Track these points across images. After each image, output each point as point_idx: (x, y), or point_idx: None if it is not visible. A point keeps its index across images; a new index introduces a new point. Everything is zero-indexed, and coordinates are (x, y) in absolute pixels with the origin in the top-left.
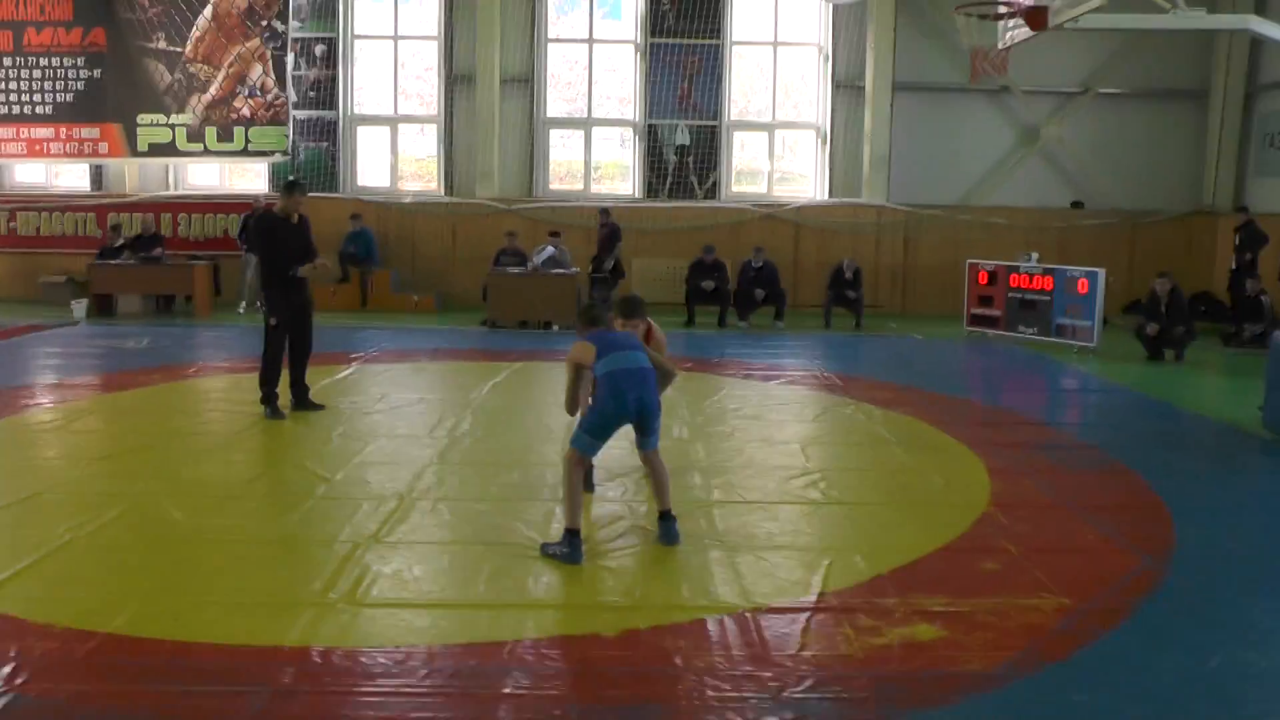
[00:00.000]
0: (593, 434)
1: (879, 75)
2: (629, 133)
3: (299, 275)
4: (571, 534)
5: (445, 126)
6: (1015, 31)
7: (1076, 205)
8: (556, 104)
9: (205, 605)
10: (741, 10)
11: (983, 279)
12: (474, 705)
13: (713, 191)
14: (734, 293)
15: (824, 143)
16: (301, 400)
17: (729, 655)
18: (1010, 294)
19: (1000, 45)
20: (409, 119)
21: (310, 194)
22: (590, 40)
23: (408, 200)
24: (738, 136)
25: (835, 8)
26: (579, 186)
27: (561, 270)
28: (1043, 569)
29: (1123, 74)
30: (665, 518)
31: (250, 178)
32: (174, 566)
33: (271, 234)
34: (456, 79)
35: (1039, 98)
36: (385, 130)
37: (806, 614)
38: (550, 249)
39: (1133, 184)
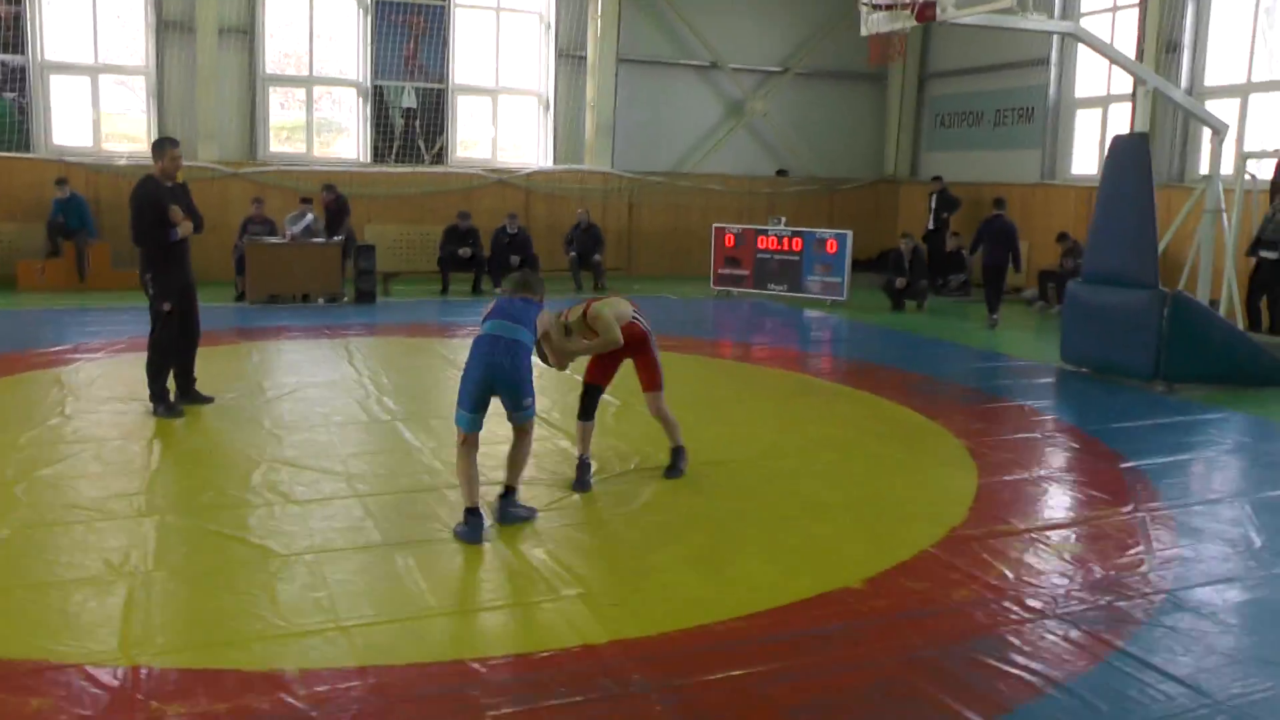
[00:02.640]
0: (460, 404)
1: (604, 46)
2: (352, 93)
3: (178, 238)
4: (469, 511)
5: (158, 79)
6: (905, 23)
7: (781, 173)
8: (276, 60)
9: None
10: None
11: (729, 241)
12: None
13: (440, 156)
14: (488, 259)
15: (546, 110)
16: (188, 391)
17: None
18: (759, 255)
19: (887, 32)
20: (113, 69)
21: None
22: None
23: (122, 162)
24: (462, 101)
25: None
26: (301, 149)
27: (320, 240)
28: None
29: (816, 56)
30: (507, 494)
31: None
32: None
33: (157, 204)
34: (168, 25)
35: (744, 75)
36: (85, 81)
37: None
38: (310, 216)
39: (827, 155)
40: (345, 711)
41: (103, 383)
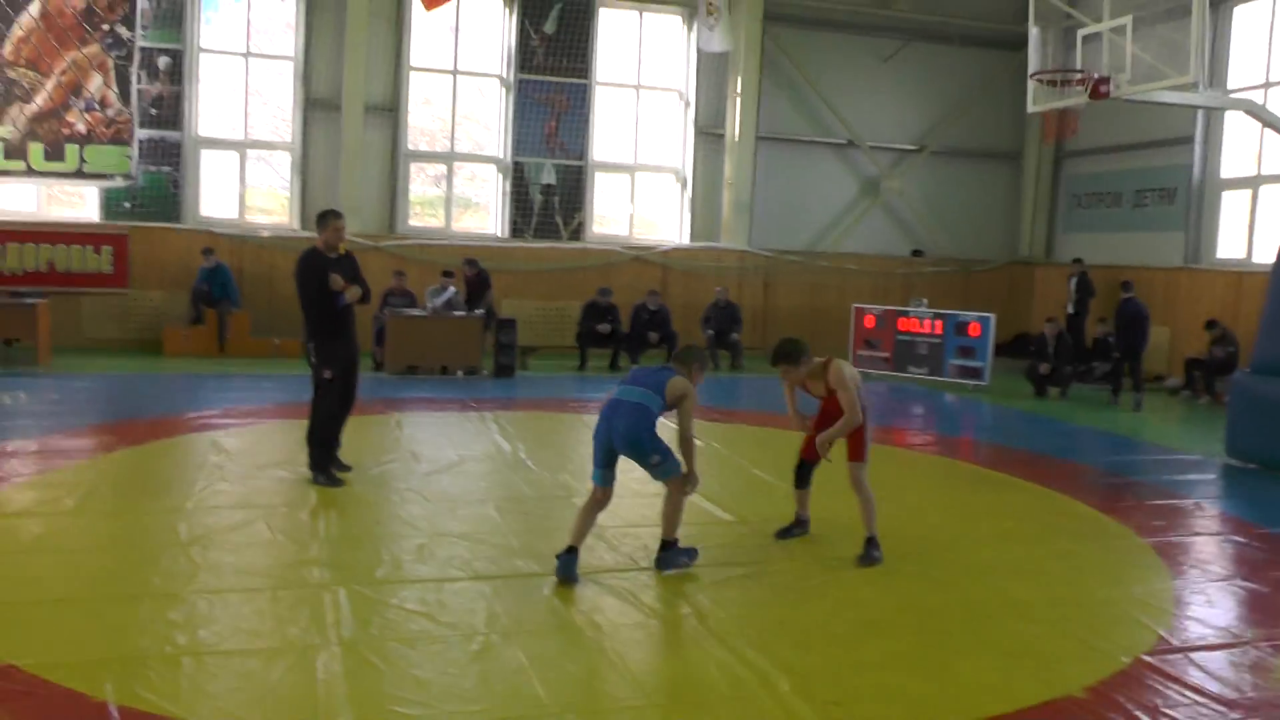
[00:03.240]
0: (594, 463)
1: (744, 124)
2: (492, 169)
3: (344, 304)
4: (567, 549)
5: (302, 155)
6: (1078, 100)
7: (917, 253)
8: (417, 136)
9: None
10: (607, 51)
11: (869, 322)
12: None
13: (577, 232)
14: (626, 335)
15: (684, 187)
16: (332, 458)
17: None
18: (899, 336)
19: (1066, 108)
20: (261, 144)
21: (151, 223)
22: (455, 72)
23: (265, 234)
24: (599, 178)
25: (700, 55)
26: (438, 223)
27: (461, 313)
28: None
29: (952, 134)
30: (666, 547)
31: (75, 202)
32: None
33: (320, 273)
34: (314, 104)
35: (880, 153)
36: (233, 155)
37: None
38: (451, 290)
39: (961, 235)
40: None
41: (259, 449)
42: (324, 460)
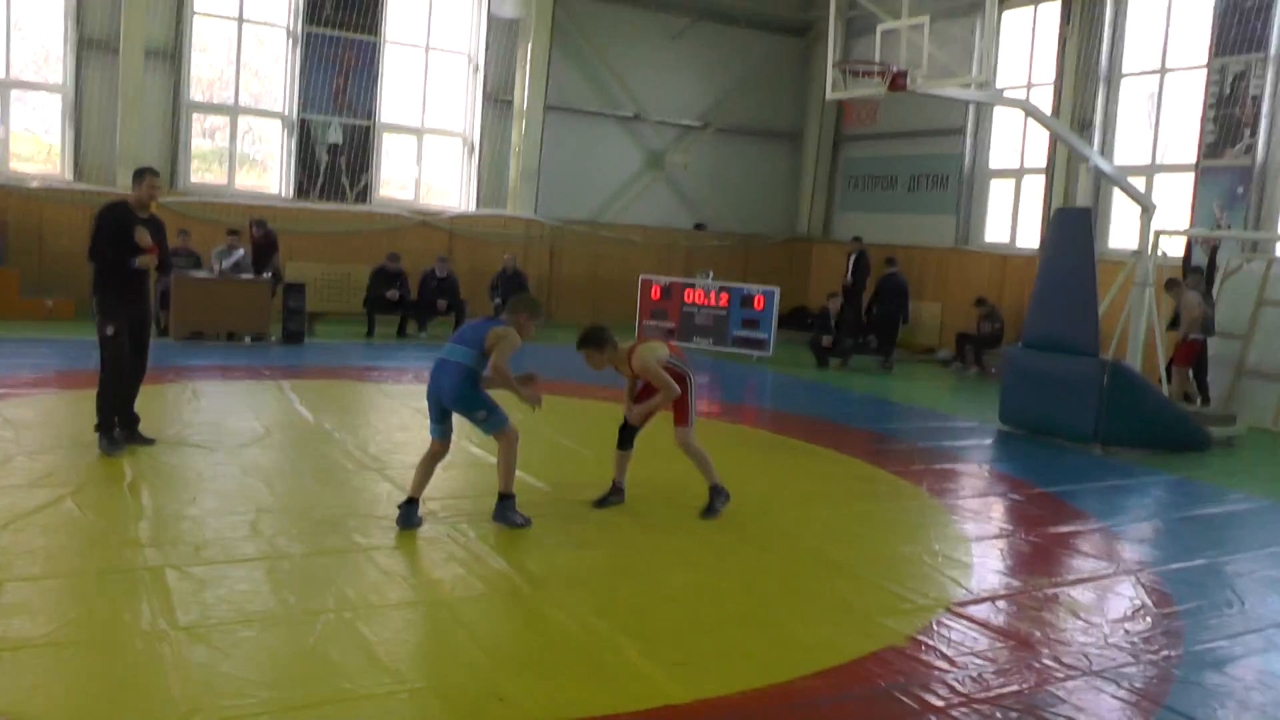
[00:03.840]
0: (430, 417)
1: (533, 94)
2: (277, 125)
3: (135, 267)
4: (407, 500)
5: (75, 99)
6: (877, 90)
7: (699, 227)
8: (198, 87)
9: None
10: (398, 9)
11: (656, 293)
12: None
13: (364, 195)
14: (414, 302)
15: (471, 153)
16: (130, 430)
17: None
18: (685, 308)
19: (863, 99)
20: (25, 84)
21: None
22: (240, 19)
23: (34, 185)
24: (387, 140)
25: (491, 21)
26: (218, 180)
27: (249, 276)
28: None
29: (735, 113)
30: (503, 500)
31: None
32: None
33: (122, 227)
34: (89, 44)
35: (666, 128)
36: None
37: None
38: (240, 251)
39: (743, 211)
40: None
41: (51, 420)
42: (107, 423)
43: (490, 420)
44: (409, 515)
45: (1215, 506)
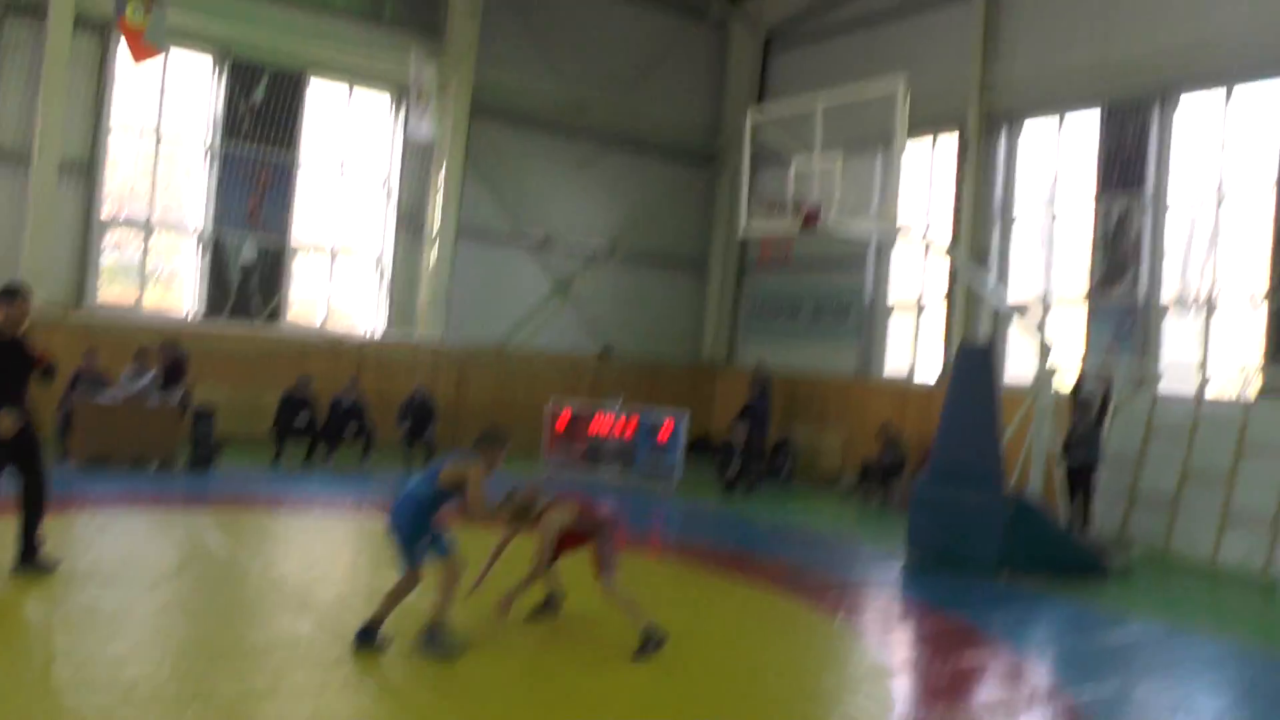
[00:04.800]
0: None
1: (445, 217)
2: (191, 242)
3: None
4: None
5: None
6: (790, 227)
7: (607, 351)
8: (113, 201)
9: None
10: (314, 128)
11: (563, 422)
12: None
13: (274, 314)
14: (324, 428)
15: (383, 276)
16: (30, 556)
17: None
18: (592, 436)
19: (777, 234)
20: None
21: None
22: (159, 133)
23: None
24: (300, 259)
25: (406, 144)
26: (127, 296)
27: (154, 400)
28: None
29: (642, 240)
30: (432, 631)
31: None
32: None
33: None
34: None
35: (573, 254)
36: None
37: None
38: (150, 373)
39: (648, 337)
40: None
41: None
42: None
43: (418, 556)
44: (365, 638)
45: (1118, 632)
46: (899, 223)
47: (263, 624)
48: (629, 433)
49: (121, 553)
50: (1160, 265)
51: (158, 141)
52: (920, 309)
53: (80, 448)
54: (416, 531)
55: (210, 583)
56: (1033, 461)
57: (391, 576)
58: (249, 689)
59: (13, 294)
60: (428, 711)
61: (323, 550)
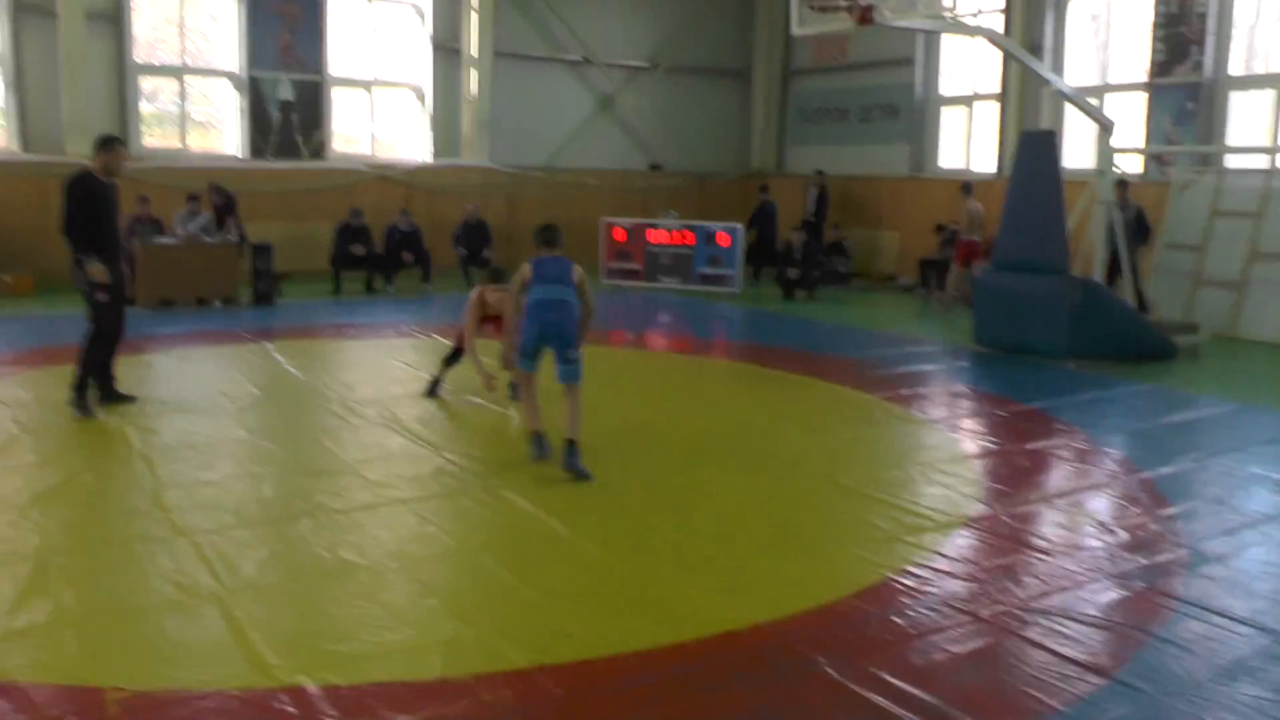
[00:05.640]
0: (523, 354)
1: (482, 40)
2: (226, 85)
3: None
4: (534, 435)
5: (14, 67)
6: (845, 25)
7: (655, 167)
8: (143, 49)
9: None
10: None
11: (619, 235)
12: None
13: (318, 151)
14: (381, 257)
15: (423, 103)
16: (109, 391)
17: None
18: (650, 249)
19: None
20: None
21: None
22: None
23: None
24: (338, 94)
25: None
26: (168, 144)
27: (213, 240)
28: None
29: (683, 52)
30: (568, 444)
31: None
32: None
33: (91, 198)
34: (24, 8)
35: (614, 70)
36: None
37: None
38: (203, 215)
39: (695, 150)
40: (547, 712)
41: (47, 397)
42: (84, 387)
43: (578, 363)
44: (542, 449)
45: (1190, 412)
46: (951, 11)
47: (353, 442)
48: (686, 242)
49: (203, 386)
50: (1227, 42)
51: None
52: (973, 102)
53: (145, 291)
54: (575, 333)
55: (294, 407)
56: (1095, 248)
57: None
58: (352, 502)
59: (110, 141)
60: (534, 513)
61: (400, 371)
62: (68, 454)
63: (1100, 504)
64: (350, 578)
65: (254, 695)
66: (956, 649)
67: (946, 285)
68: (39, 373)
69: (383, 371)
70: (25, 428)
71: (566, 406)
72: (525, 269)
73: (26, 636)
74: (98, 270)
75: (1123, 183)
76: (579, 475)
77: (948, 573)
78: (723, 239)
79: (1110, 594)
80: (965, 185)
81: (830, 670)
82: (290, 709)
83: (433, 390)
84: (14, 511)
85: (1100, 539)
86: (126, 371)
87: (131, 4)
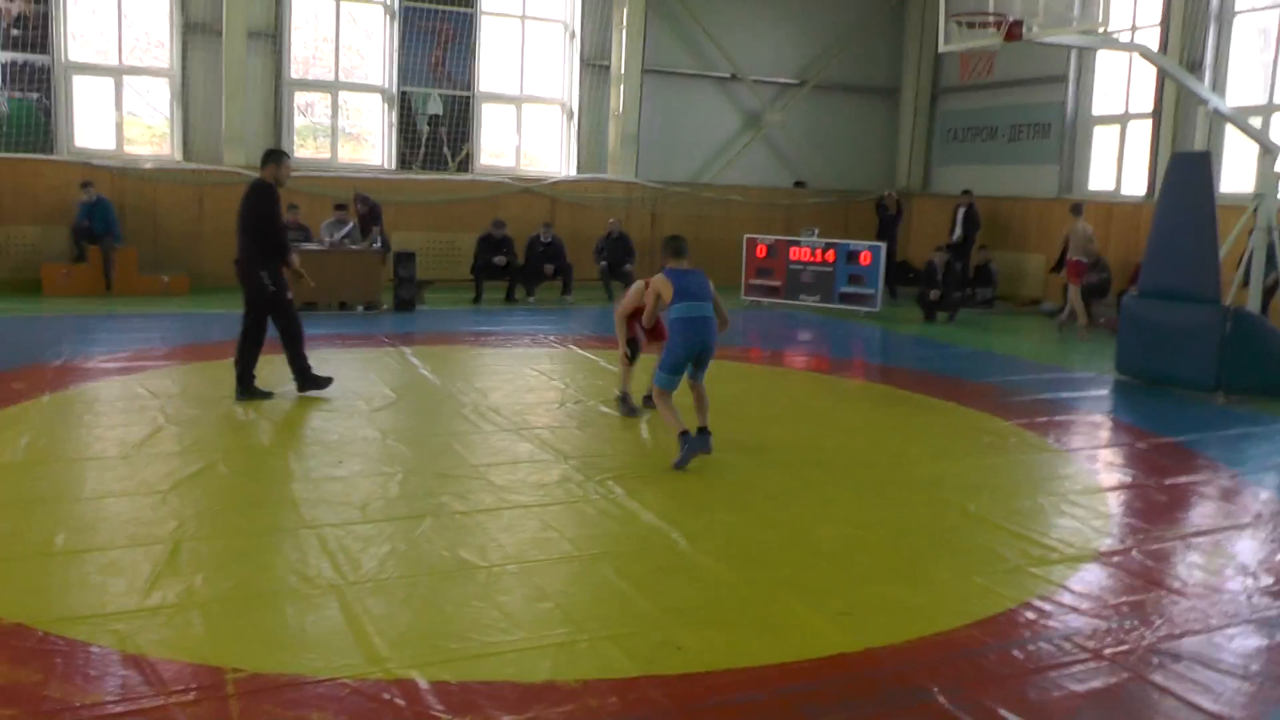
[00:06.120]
0: (670, 371)
1: (630, 57)
2: (377, 99)
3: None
4: (683, 434)
5: (181, 82)
6: (992, 41)
7: (799, 185)
8: (299, 65)
9: None
10: None
11: (761, 252)
12: None
13: (465, 164)
14: (521, 268)
15: (570, 119)
16: (308, 377)
17: None
18: (791, 265)
19: (980, 49)
20: (137, 70)
21: (20, 154)
22: None
23: (148, 166)
24: (486, 109)
25: None
26: (320, 154)
27: (358, 246)
28: None
29: (831, 69)
30: (704, 431)
31: None
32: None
33: (272, 205)
34: (193, 28)
35: (762, 87)
36: (107, 82)
37: None
38: (350, 223)
39: (841, 167)
40: None
41: (189, 390)
42: (249, 376)
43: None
44: (701, 443)
45: None
46: (1105, 28)
47: (482, 446)
48: (829, 261)
49: (339, 386)
50: None
51: (338, 4)
52: (1126, 121)
53: (291, 295)
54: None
55: (427, 410)
56: (1253, 274)
57: (598, 403)
58: (476, 505)
59: (280, 154)
60: (655, 524)
61: (533, 380)
62: (208, 445)
63: (1244, 545)
64: (468, 578)
65: (365, 685)
66: (1076, 687)
67: (1069, 307)
68: (187, 368)
69: (517, 379)
70: (171, 419)
71: (697, 400)
72: (663, 285)
73: (158, 614)
74: (298, 265)
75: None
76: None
77: (1073, 608)
78: (865, 258)
79: (1249, 641)
80: (1075, 206)
81: (942, 699)
82: (399, 700)
83: (627, 406)
84: (155, 496)
85: (1241, 582)
86: (267, 370)
87: (291, 23)
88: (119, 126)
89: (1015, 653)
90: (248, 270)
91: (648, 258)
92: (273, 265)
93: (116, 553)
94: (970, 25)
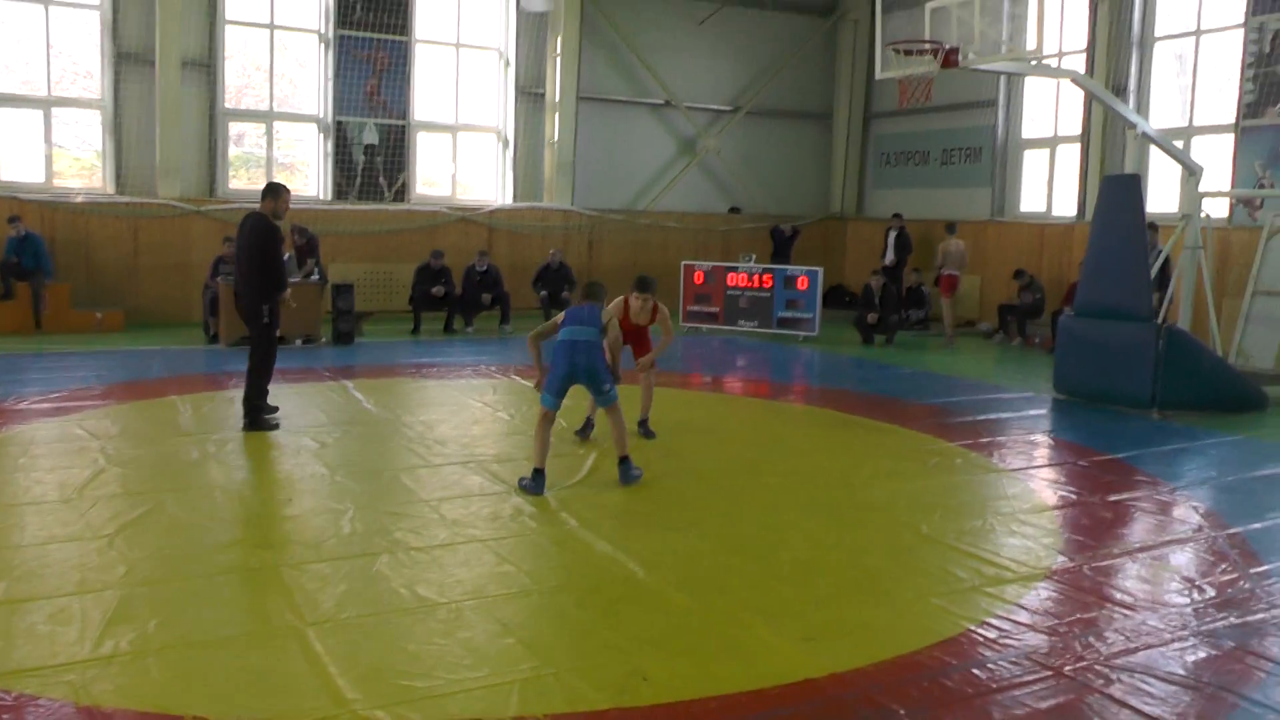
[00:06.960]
0: (548, 390)
1: (565, 84)
2: (313, 129)
3: (279, 306)
4: (537, 471)
5: (114, 113)
6: (929, 68)
7: (734, 210)
8: (234, 95)
9: None
10: (426, 8)
11: (699, 278)
12: None
13: (401, 194)
14: (459, 298)
15: (506, 147)
16: (259, 419)
17: None
18: (729, 291)
19: (917, 76)
20: (66, 101)
21: None
22: (272, 26)
23: (79, 200)
24: (422, 138)
25: (520, 15)
26: (259, 186)
27: (296, 279)
28: None
29: (765, 96)
30: (623, 462)
31: None
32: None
33: (276, 240)
34: (125, 58)
35: (697, 113)
36: (36, 114)
37: None
38: (288, 255)
39: (776, 193)
40: None
41: (130, 430)
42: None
43: (611, 392)
44: (539, 484)
45: None
46: (1039, 58)
47: (432, 481)
48: (766, 286)
49: (285, 422)
50: None
51: (272, 33)
52: (1055, 144)
53: (228, 329)
54: (604, 372)
55: (375, 445)
56: (1182, 292)
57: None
58: (431, 540)
59: (278, 188)
60: (611, 554)
61: (478, 411)
62: (153, 486)
63: (1187, 559)
64: (429, 615)
65: None
66: (1037, 704)
67: (944, 321)
68: (126, 407)
69: (462, 411)
70: (113, 459)
71: (610, 428)
72: (558, 316)
73: (112, 663)
74: (289, 297)
75: (1153, 226)
76: (634, 480)
77: (1029, 626)
78: (802, 282)
79: (1198, 653)
80: (949, 225)
81: None
82: None
83: (585, 431)
84: (102, 540)
85: (1187, 595)
86: (207, 408)
87: (224, 53)
88: (48, 159)
89: (977, 672)
90: (252, 305)
91: (583, 285)
92: (274, 299)
93: (64, 600)
94: (907, 53)
